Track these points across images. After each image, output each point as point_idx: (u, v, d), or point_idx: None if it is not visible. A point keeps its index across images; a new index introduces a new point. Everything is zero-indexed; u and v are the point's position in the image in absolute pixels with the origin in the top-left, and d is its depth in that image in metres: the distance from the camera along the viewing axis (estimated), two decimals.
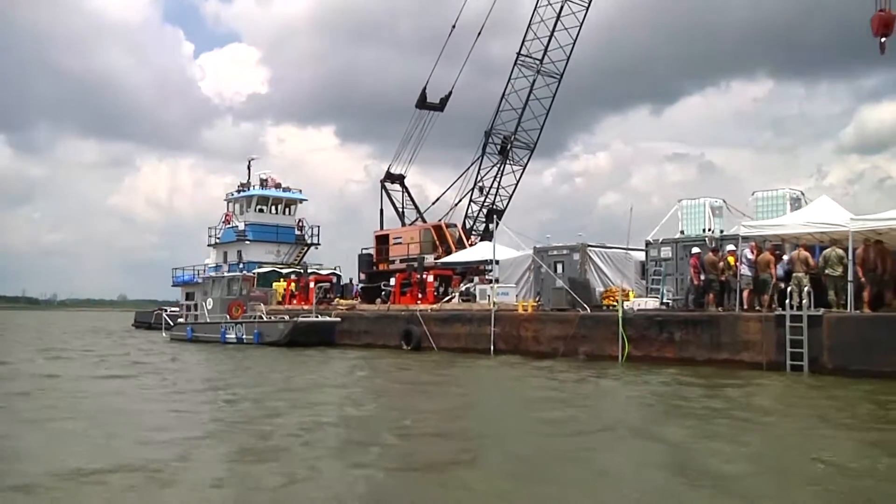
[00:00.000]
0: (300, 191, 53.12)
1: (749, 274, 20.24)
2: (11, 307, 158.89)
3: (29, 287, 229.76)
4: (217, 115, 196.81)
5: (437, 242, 34.47)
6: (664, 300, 24.10)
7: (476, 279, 31.25)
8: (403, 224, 38.43)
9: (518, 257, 30.08)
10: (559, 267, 28.12)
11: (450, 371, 21.36)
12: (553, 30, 32.85)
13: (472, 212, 35.67)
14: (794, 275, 19.07)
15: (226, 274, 35.31)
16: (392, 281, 32.30)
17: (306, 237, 52.12)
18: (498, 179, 35.06)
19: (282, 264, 46.28)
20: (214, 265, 51.07)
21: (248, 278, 35.46)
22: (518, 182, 35.49)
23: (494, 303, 26.42)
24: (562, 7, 32.49)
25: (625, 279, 27.02)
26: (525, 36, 33.23)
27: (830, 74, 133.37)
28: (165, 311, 41.19)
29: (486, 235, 35.88)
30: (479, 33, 36.03)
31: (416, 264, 30.96)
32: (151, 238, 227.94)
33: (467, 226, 35.62)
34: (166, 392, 16.01)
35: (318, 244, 51.77)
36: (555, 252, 28.60)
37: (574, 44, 33.03)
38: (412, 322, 28.34)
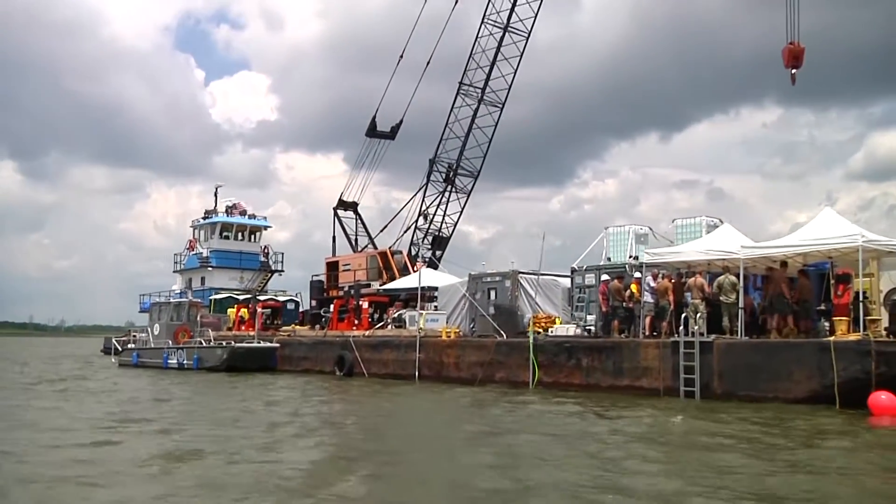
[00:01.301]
0: (265, 217, 53.60)
1: (651, 301, 20.47)
2: (16, 333, 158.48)
3: (37, 313, 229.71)
4: (227, 141, 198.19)
5: (383, 269, 34.67)
6: (586, 327, 24.29)
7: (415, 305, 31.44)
8: (354, 251, 38.67)
9: (455, 284, 30.26)
10: (492, 294, 28.27)
11: (358, 401, 21.52)
12: (494, 59, 33.30)
13: (417, 239, 35.93)
14: (690, 301, 19.33)
15: (171, 300, 35.46)
16: (331, 307, 32.47)
17: (271, 264, 52.40)
18: (442, 208, 35.35)
19: (244, 290, 46.58)
20: (179, 291, 51.39)
21: (195, 304, 35.63)
22: (462, 209, 35.86)
23: (421, 329, 26.61)
24: (502, 37, 32.97)
25: (553, 306, 27.22)
26: (467, 65, 33.71)
27: (840, 101, 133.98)
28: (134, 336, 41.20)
29: (433, 263, 36.12)
30: (428, 63, 36.36)
31: (352, 291, 31.14)
32: (160, 264, 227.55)
33: (412, 252, 35.85)
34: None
35: (282, 271, 52.15)
36: (488, 279, 28.80)
37: (515, 73, 33.53)
38: (346, 348, 28.51)
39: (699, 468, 9.88)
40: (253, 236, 52.48)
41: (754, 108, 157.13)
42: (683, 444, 12.45)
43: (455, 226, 36.05)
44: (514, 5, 32.74)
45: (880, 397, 15.18)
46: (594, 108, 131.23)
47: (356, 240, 39.82)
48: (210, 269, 49.36)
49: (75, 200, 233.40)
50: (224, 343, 31.19)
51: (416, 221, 35.73)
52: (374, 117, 38.03)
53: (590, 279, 25.27)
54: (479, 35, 33.25)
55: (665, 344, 19.20)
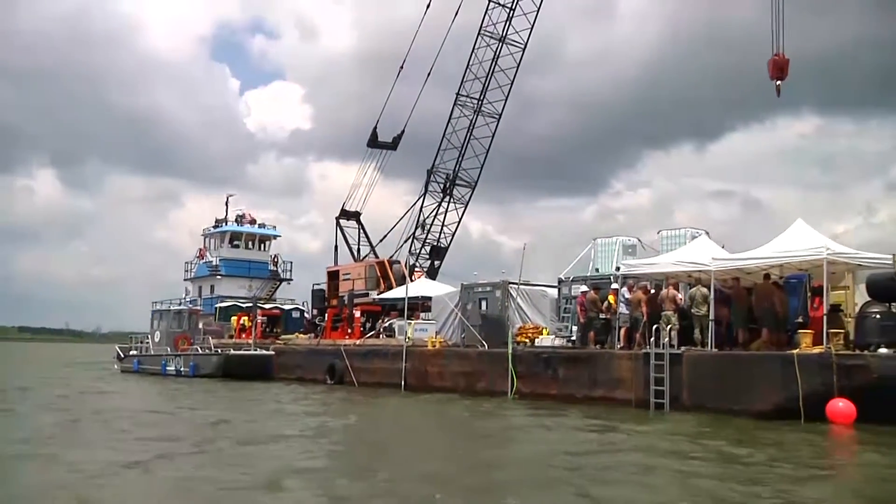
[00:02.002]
0: (274, 227, 54.10)
1: (627, 312, 20.47)
2: (52, 339, 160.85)
3: (73, 320, 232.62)
4: (261, 150, 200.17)
5: (381, 278, 34.92)
6: (571, 337, 24.31)
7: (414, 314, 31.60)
8: (356, 260, 38.93)
9: (448, 294, 30.38)
10: (483, 304, 28.35)
11: (338, 411, 21.70)
12: (491, 71, 33.49)
13: (415, 249, 36.13)
14: (663, 313, 19.31)
15: (171, 307, 35.95)
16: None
17: (280, 272, 52.87)
18: (440, 218, 35.51)
19: (251, 299, 47.04)
20: (191, 299, 52.08)
21: (195, 311, 36.08)
22: (460, 220, 36.01)
23: (409, 338, 26.77)
24: (499, 49, 33.16)
25: (542, 316, 27.24)
26: (464, 76, 33.92)
27: (881, 110, 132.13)
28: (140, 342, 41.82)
29: (432, 272, 36.28)
30: (429, 74, 36.61)
31: (345, 300, 31.40)
32: None
33: (410, 262, 36.04)
34: None
35: (291, 279, 52.51)
36: (479, 289, 28.89)
37: (511, 84, 33.64)
38: (337, 357, 28.74)
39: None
40: (263, 245, 53.00)
41: (791, 117, 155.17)
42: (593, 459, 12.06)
43: (453, 236, 36.23)
44: (510, 17, 32.90)
45: (837, 405, 15.16)
46: (628, 117, 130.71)
47: (358, 249, 40.08)
48: (219, 277, 49.91)
49: (113, 209, 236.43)
50: (220, 351, 31.54)
51: (415, 232, 35.88)
52: (375, 128, 38.39)
53: (576, 290, 25.32)
54: (476, 46, 33.44)
55: (637, 356, 19.21)
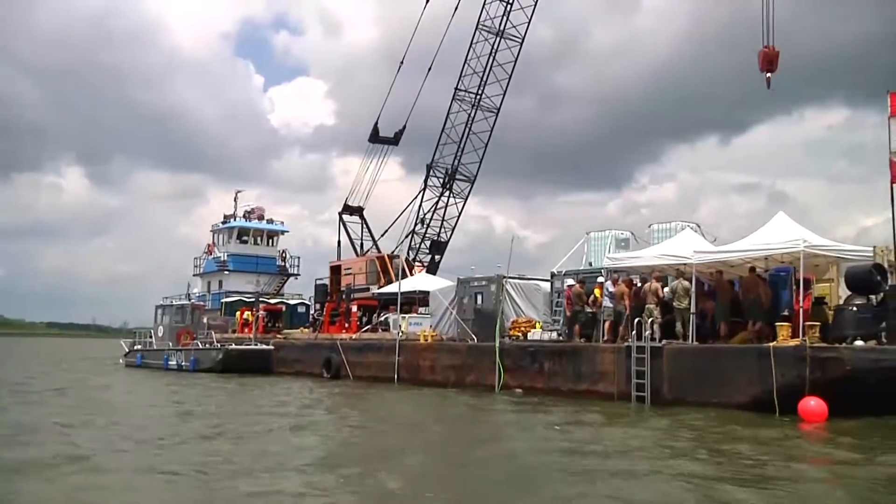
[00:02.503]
0: (282, 223, 54.40)
1: (611, 306, 20.48)
2: (79, 335, 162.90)
3: (100, 315, 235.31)
4: (285, 146, 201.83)
5: (381, 273, 35.04)
6: (560, 332, 24.34)
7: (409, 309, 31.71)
8: (358, 255, 39.09)
9: (445, 288, 30.47)
10: (479, 298, 28.42)
11: (322, 403, 21.85)
12: (490, 66, 33.48)
13: (415, 243, 36.22)
14: (646, 306, 19.32)
15: (174, 302, 36.30)
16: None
17: (288, 268, 53.19)
18: (439, 212, 35.58)
19: (256, 294, 47.42)
20: (199, 294, 52.59)
21: (198, 306, 36.44)
22: (460, 215, 36.06)
23: (403, 332, 26.92)
24: (496, 43, 33.14)
25: (536, 310, 27.27)
26: (462, 71, 33.91)
27: None
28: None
29: (432, 267, 36.39)
30: (429, 69, 36.63)
31: (343, 294, 31.58)
32: None
33: (410, 256, 36.15)
34: None
35: (298, 275, 52.77)
36: (475, 283, 28.97)
37: (510, 78, 33.63)
38: (333, 351, 28.95)
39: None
40: (271, 241, 53.31)
41: (819, 109, 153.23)
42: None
43: (453, 230, 36.26)
44: (508, 11, 32.86)
45: (809, 403, 15.11)
46: (652, 110, 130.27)
47: (361, 244, 40.24)
48: (227, 272, 50.27)
49: (138, 205, 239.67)
50: (219, 345, 31.85)
51: (415, 226, 36.00)
52: (376, 124, 38.43)
53: (571, 284, 25.34)
54: (474, 41, 33.43)
55: (620, 349, 19.25)
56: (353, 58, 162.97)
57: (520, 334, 24.79)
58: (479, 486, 9.29)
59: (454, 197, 35.63)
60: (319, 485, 8.99)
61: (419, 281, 32.26)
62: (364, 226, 40.62)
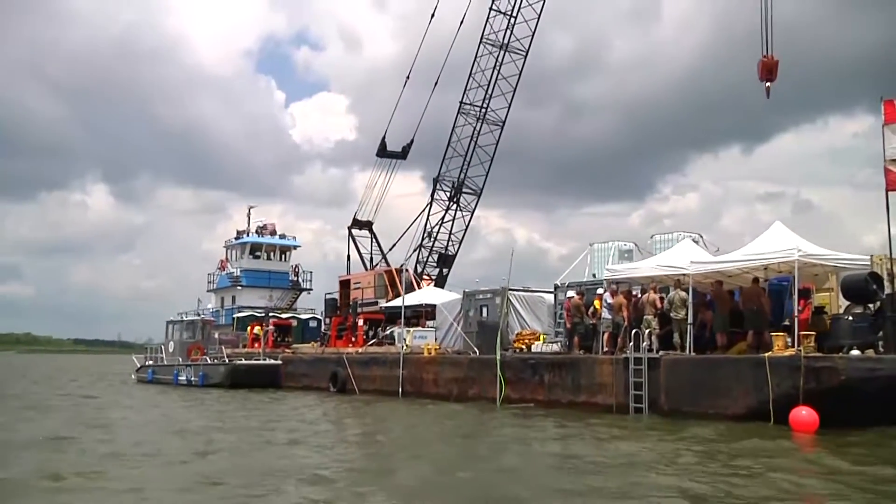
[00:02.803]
0: (294, 237, 54.73)
1: (609, 317, 20.46)
2: (105, 351, 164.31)
3: (125, 331, 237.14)
4: (307, 161, 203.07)
5: (389, 287, 35.16)
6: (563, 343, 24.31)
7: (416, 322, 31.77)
8: (367, 269, 39.25)
9: (452, 301, 30.55)
10: (484, 310, 28.48)
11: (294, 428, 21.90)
12: (495, 79, 33.62)
13: (423, 257, 36.32)
14: (644, 317, 19.29)
15: (184, 318, 36.59)
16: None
17: (301, 282, 53.47)
18: (446, 225, 35.70)
19: (271, 309, 47.75)
20: (213, 310, 53.03)
21: (208, 322, 36.72)
22: (467, 228, 36.12)
23: (407, 346, 26.99)
24: (501, 56, 33.30)
25: (540, 322, 27.25)
26: (467, 85, 34.07)
27: None
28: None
29: (440, 280, 36.46)
30: (436, 83, 36.83)
31: (350, 308, 31.72)
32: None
33: (418, 270, 36.25)
34: None
35: (311, 289, 53.01)
36: (480, 296, 29.05)
37: (514, 91, 33.75)
38: (340, 365, 29.05)
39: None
40: (284, 256, 53.65)
41: (844, 117, 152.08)
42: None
43: (460, 244, 36.32)
44: (512, 25, 33.02)
45: (801, 413, 15.02)
46: (675, 120, 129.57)
47: (371, 258, 40.39)
48: (239, 288, 50.62)
49: (162, 221, 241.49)
50: (227, 361, 32.06)
51: (422, 240, 36.12)
52: (384, 138, 38.67)
53: (571, 295, 25.32)
54: (479, 55, 33.58)
55: (618, 360, 19.20)
56: (373, 72, 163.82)
57: (523, 346, 24.77)
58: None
59: (461, 210, 35.72)
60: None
61: (426, 294, 32.35)
62: (374, 240, 40.81)
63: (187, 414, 21.03)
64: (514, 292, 28.39)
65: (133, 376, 38.05)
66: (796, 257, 16.59)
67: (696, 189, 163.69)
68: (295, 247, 54.27)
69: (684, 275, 18.85)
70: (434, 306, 30.83)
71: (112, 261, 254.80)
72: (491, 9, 33.07)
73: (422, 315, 31.17)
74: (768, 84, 23.09)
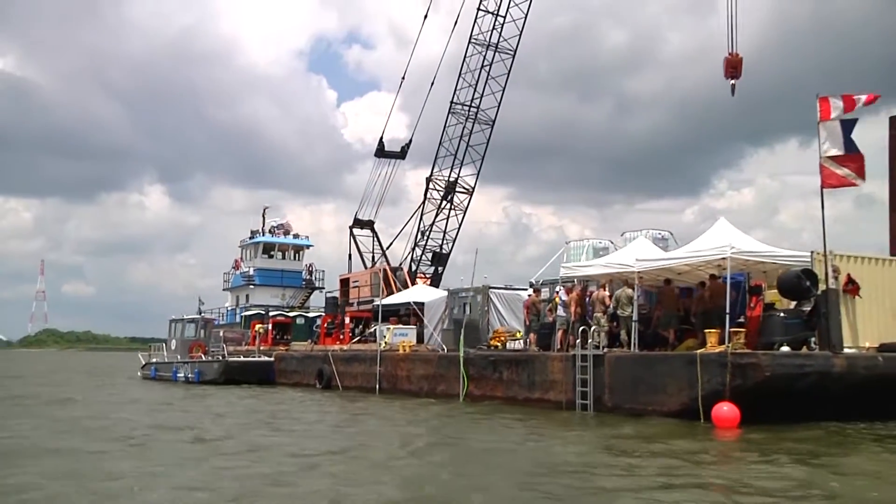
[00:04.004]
0: (307, 237, 55.59)
1: (564, 315, 20.65)
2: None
3: None
4: (358, 159, 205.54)
5: (384, 285, 35.66)
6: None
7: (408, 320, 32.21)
8: (366, 268, 39.85)
9: (438, 299, 30.96)
10: (467, 308, 28.88)
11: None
12: (486, 79, 33.92)
13: (416, 255, 36.76)
14: (594, 315, 19.47)
15: (185, 316, 37.47)
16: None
17: (315, 281, 54.28)
18: (438, 224, 36.08)
19: (284, 307, 48.72)
20: (230, 308, 54.24)
21: (209, 320, 37.61)
22: (460, 226, 36.50)
23: (387, 343, 27.44)
24: (492, 57, 33.59)
25: (518, 320, 27.48)
26: (457, 84, 34.43)
27: None
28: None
29: (436, 278, 36.87)
30: (432, 84, 37.30)
31: (337, 307, 32.29)
32: None
33: (412, 269, 36.71)
34: None
35: (323, 287, 53.76)
36: (463, 294, 29.45)
37: (503, 90, 34.02)
38: (326, 362, 29.60)
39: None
40: (297, 255, 54.53)
41: None
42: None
43: (454, 242, 36.71)
44: (498, 25, 33.27)
45: (722, 409, 15.15)
46: (730, 114, 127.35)
47: (372, 257, 40.98)
48: (252, 286, 51.61)
49: (216, 221, 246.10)
50: (220, 358, 32.86)
51: (416, 239, 36.56)
52: (381, 138, 39.21)
53: (545, 294, 25.51)
54: (468, 55, 33.91)
55: (567, 357, 19.39)
56: (424, 70, 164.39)
57: (499, 344, 25.10)
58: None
59: (454, 209, 36.07)
60: None
61: (416, 292, 32.77)
62: (375, 239, 41.39)
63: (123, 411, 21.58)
64: (495, 290, 28.74)
65: (139, 373, 39.06)
66: (728, 254, 16.64)
67: (752, 184, 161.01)
68: (308, 246, 55.18)
69: (629, 272, 18.99)
70: (422, 304, 31.28)
71: (169, 260, 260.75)
72: (479, 9, 33.36)
73: (411, 313, 31.69)
74: (733, 81, 23.14)
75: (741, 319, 19.11)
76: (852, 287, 17.76)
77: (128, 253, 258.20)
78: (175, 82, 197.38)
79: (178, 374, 34.35)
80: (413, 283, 35.73)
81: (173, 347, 36.84)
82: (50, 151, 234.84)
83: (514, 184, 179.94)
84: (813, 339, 16.44)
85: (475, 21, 33.50)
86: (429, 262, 36.67)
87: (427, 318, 30.58)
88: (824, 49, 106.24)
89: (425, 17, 36.76)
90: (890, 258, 19.14)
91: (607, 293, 19.57)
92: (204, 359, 33.43)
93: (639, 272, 18.82)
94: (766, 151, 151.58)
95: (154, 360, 38.75)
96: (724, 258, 16.92)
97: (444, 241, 36.56)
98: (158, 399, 24.81)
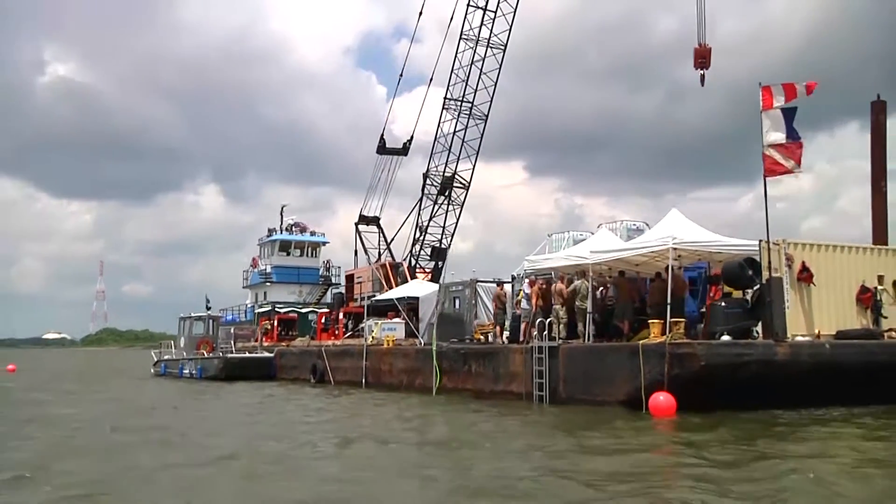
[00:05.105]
0: (323, 234, 56.25)
1: (528, 307, 20.86)
2: None
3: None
4: (409, 155, 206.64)
5: (384, 281, 36.14)
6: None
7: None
8: (370, 264, 40.33)
9: (431, 294, 31.28)
10: (457, 302, 29.21)
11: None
12: (479, 74, 34.13)
13: (416, 251, 37.11)
14: (553, 307, 19.66)
15: (193, 314, 38.34)
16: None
17: (332, 278, 54.95)
18: (436, 219, 36.37)
19: (301, 304, 49.53)
20: (250, 305, 55.24)
21: (216, 318, 38.47)
22: (458, 221, 36.72)
23: (374, 338, 27.88)
24: (477, 49, 33.75)
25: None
26: (449, 80, 34.70)
27: None
28: None
29: (436, 273, 37.17)
30: (431, 80, 37.62)
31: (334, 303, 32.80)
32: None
33: (412, 264, 37.06)
34: None
35: (339, 284, 54.35)
36: (454, 288, 29.76)
37: (495, 86, 34.18)
38: (319, 357, 30.16)
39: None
40: (314, 252, 55.24)
41: None
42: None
43: (452, 237, 36.97)
44: (486, 20, 33.42)
45: (658, 398, 15.29)
46: None
47: (379, 252, 41.42)
48: (269, 284, 52.44)
49: (269, 220, 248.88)
50: (221, 354, 33.65)
51: (415, 235, 36.92)
52: (382, 135, 39.61)
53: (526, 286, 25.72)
54: (459, 50, 34.13)
55: (528, 350, 19.61)
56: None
57: (482, 337, 25.36)
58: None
59: (452, 204, 36.34)
60: None
61: (411, 287, 33.12)
62: (381, 234, 41.82)
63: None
64: (483, 284, 28.96)
65: (151, 370, 40.10)
66: (670, 245, 16.73)
67: (810, 170, 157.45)
68: (324, 243, 55.74)
69: (584, 265, 19.15)
70: (417, 299, 31.65)
71: (224, 259, 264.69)
72: (469, 5, 33.55)
73: (409, 308, 32.10)
74: (702, 72, 23.15)
75: (704, 309, 19.28)
76: (806, 275, 17.77)
77: (184, 253, 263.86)
78: (227, 82, 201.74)
79: (184, 371, 35.24)
80: (413, 279, 36.10)
81: (182, 344, 37.75)
82: (108, 155, 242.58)
83: (565, 175, 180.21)
84: (757, 328, 16.48)
85: (465, 17, 33.75)
86: (428, 257, 36.96)
87: (422, 313, 30.96)
88: (884, 29, 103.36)
89: (420, 14, 37.10)
90: (849, 245, 18.98)
91: (564, 286, 19.73)
92: (206, 355, 34.23)
93: (592, 264, 18.96)
94: (825, 136, 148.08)
95: (165, 357, 39.75)
96: (666, 248, 16.95)
97: (444, 236, 36.83)
98: (134, 398, 24.95)
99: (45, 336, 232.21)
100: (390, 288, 35.72)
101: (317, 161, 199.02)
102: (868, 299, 18.55)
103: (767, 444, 11.74)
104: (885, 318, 18.66)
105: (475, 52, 33.66)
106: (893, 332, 18.20)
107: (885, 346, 17.17)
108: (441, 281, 35.57)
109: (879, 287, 18.83)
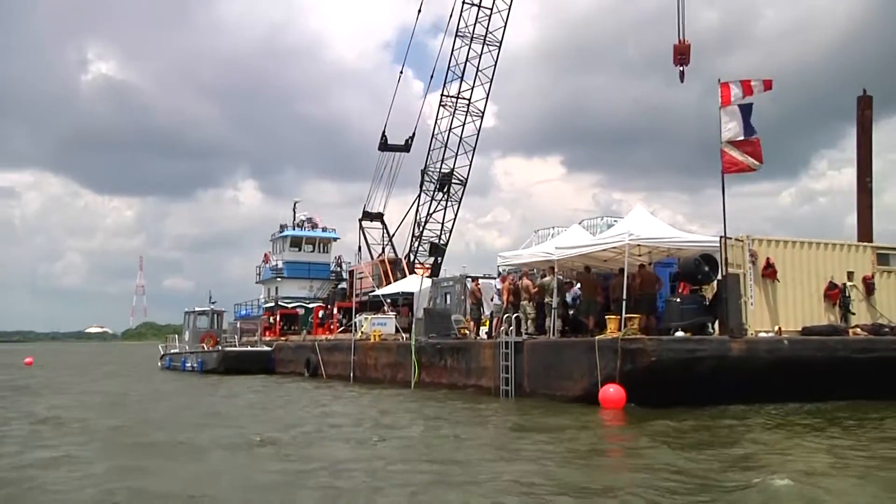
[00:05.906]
0: (334, 230, 56.75)
1: (499, 303, 21.05)
2: None
3: None
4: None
5: (383, 276, 36.50)
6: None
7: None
8: (372, 259, 40.73)
9: (425, 289, 31.56)
10: (448, 297, 29.46)
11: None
12: (475, 71, 34.29)
13: (414, 247, 37.43)
14: (521, 303, 19.83)
15: (196, 308, 38.98)
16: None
17: (343, 273, 55.44)
18: (434, 215, 36.63)
19: (311, 299, 50.10)
20: (263, 300, 55.95)
21: (220, 312, 39.11)
22: (455, 217, 36.97)
23: (363, 332, 28.23)
24: (479, 48, 33.96)
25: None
26: (445, 77, 34.92)
27: None
28: None
29: (435, 269, 37.46)
30: (431, 76, 37.84)
31: (329, 298, 33.17)
32: None
33: (410, 259, 37.38)
34: None
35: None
36: (445, 284, 30.03)
37: (491, 82, 34.34)
38: (313, 351, 30.60)
39: None
40: (325, 247, 55.75)
41: None
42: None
43: (450, 233, 37.21)
44: (480, 16, 33.56)
45: (608, 390, 15.44)
46: (830, 90, 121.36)
47: (382, 248, 41.81)
48: (280, 279, 53.05)
49: (309, 216, 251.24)
50: (220, 348, 34.22)
51: (413, 231, 37.23)
52: (384, 132, 39.91)
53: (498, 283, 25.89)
54: (455, 47, 34.33)
55: (496, 345, 19.81)
56: (511, 58, 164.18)
57: (467, 332, 25.57)
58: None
59: (450, 200, 36.57)
60: None
61: (407, 283, 33.46)
62: (385, 230, 42.22)
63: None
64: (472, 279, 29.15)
65: (159, 363, 40.87)
66: (626, 241, 16.83)
67: (854, 163, 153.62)
68: (335, 239, 56.25)
69: (551, 261, 19.29)
70: (411, 294, 31.97)
71: (262, 254, 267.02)
72: (464, 2, 33.72)
73: (399, 303, 32.47)
74: (682, 68, 23.11)
75: None
76: (770, 271, 17.79)
77: (223, 248, 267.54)
78: (265, 79, 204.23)
79: (187, 364, 35.90)
80: (412, 274, 36.41)
81: (187, 338, 38.44)
82: (149, 151, 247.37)
83: (603, 170, 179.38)
84: (713, 324, 16.53)
85: (460, 14, 33.95)
86: (426, 253, 37.24)
87: (416, 308, 31.26)
88: None
89: (419, 11, 37.33)
90: (816, 241, 18.91)
91: (531, 282, 19.89)
92: (206, 349, 34.83)
93: (557, 260, 19.10)
94: None
95: (171, 350, 40.49)
96: (620, 245, 17.05)
97: (442, 232, 37.09)
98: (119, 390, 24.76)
99: (87, 330, 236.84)
100: (389, 283, 36.10)
101: (354, 156, 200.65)
102: (836, 295, 18.52)
103: (680, 434, 11.88)
104: (854, 314, 18.61)
105: (470, 48, 33.80)
106: (859, 329, 18.10)
107: (846, 343, 17.08)
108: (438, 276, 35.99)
109: (849, 283, 18.78)
